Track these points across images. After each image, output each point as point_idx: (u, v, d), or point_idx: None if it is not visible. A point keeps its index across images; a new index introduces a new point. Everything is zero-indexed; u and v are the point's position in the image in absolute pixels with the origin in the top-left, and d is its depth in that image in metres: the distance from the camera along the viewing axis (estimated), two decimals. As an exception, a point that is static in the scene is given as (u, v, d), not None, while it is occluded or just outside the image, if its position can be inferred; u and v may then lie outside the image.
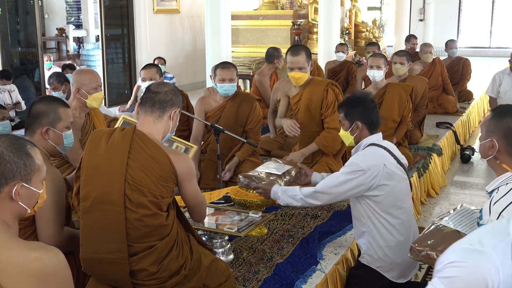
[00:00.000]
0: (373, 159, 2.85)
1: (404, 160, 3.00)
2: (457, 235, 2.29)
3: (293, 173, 3.36)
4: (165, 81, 2.65)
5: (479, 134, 2.39)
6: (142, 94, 2.54)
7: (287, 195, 2.99)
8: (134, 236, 2.27)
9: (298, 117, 4.25)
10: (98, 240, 2.29)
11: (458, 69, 8.00)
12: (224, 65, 4.31)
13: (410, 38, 8.86)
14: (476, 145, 7.05)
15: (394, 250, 2.87)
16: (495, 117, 2.26)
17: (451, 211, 2.54)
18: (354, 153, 3.01)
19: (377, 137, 2.99)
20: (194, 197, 2.46)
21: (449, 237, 2.29)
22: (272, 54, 6.39)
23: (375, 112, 3.00)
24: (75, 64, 8.91)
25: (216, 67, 4.35)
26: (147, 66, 4.86)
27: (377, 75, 4.94)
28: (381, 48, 8.26)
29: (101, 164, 2.30)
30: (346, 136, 3.06)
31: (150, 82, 4.14)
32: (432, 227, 2.41)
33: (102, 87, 4.01)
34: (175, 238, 2.36)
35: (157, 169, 2.28)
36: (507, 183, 2.18)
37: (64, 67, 7.91)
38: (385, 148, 2.92)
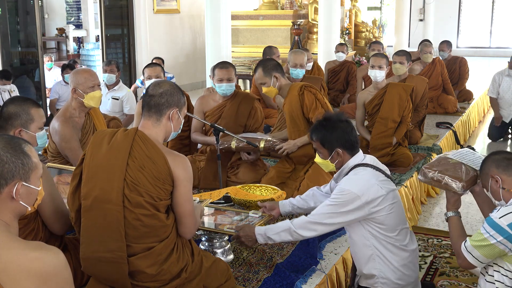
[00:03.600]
0: (365, 181, 2.63)
1: (387, 171, 2.79)
2: (462, 166, 2.58)
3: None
4: (163, 80, 2.63)
5: (480, 181, 2.59)
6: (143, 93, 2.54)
7: (275, 231, 2.70)
8: (132, 235, 2.28)
9: (287, 127, 4.19)
10: (98, 239, 2.30)
11: (455, 69, 7.98)
12: (222, 65, 4.31)
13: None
14: (476, 145, 7.05)
15: (410, 266, 2.69)
16: (481, 164, 2.53)
17: (453, 150, 2.73)
18: (336, 178, 2.81)
19: (360, 157, 2.75)
20: (183, 204, 2.33)
21: (455, 166, 2.57)
22: (264, 52, 6.41)
23: (353, 133, 2.75)
24: (78, 64, 8.90)
25: (214, 67, 4.35)
26: (151, 65, 4.87)
27: (378, 75, 4.93)
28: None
29: (102, 163, 2.31)
30: (325, 164, 2.80)
31: (156, 80, 4.14)
32: (439, 157, 2.64)
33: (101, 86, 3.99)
34: (174, 241, 2.36)
35: (153, 170, 2.28)
36: None
37: (64, 67, 7.90)
38: (371, 166, 2.70)
